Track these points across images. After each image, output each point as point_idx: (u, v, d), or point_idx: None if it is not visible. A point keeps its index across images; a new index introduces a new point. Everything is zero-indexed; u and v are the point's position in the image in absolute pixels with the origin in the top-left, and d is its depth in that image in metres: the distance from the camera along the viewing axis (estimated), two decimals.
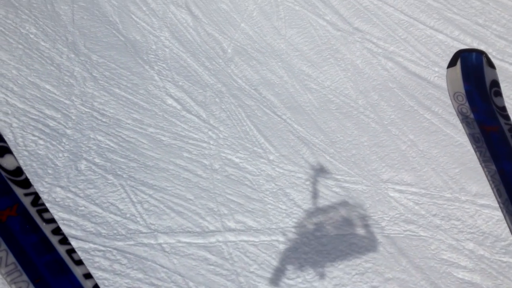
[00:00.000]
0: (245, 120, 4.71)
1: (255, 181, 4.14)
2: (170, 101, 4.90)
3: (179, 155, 4.33)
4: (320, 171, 4.17)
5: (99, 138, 4.35)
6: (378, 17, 5.52)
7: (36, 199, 1.18)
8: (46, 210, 1.20)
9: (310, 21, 5.77)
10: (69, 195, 3.85)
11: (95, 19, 5.86)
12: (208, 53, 5.57)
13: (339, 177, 4.11)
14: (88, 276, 1.20)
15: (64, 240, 1.20)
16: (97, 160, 4.16)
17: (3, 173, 1.15)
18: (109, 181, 4.02)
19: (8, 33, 5.09)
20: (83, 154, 4.19)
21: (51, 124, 4.34)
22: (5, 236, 1.15)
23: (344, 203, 3.94)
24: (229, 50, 5.63)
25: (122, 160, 4.20)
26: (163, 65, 5.36)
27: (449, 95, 1.49)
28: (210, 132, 4.58)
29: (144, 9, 6.17)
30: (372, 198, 3.95)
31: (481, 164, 1.49)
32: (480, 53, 1.47)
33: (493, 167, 1.47)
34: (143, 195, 3.95)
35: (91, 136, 4.35)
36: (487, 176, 1.49)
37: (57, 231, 1.20)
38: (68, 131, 4.34)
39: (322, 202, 3.95)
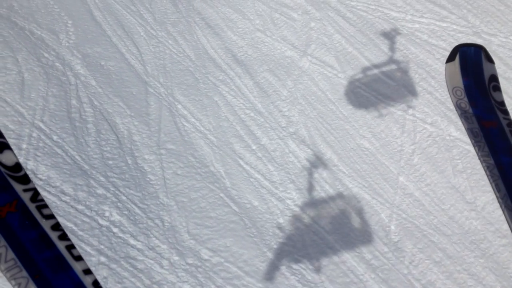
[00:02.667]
0: None
1: None
2: None
3: None
4: None
5: None
6: None
7: (35, 195, 1.17)
8: (46, 206, 1.18)
9: None
10: None
11: (192, 173, 4.15)
12: (362, 233, 3.81)
13: None
14: (87, 272, 1.19)
15: (64, 236, 1.18)
16: None
17: (2, 169, 1.13)
18: None
19: (82, 233, 3.39)
20: None
21: None
22: (5, 232, 1.12)
23: None
24: (392, 227, 3.86)
25: None
26: (306, 262, 3.61)
27: (448, 89, 1.47)
28: None
29: (254, 147, 4.44)
30: None
31: (479, 158, 1.47)
32: (479, 48, 1.45)
33: (492, 161, 1.46)
34: None
35: None
36: (485, 171, 1.46)
37: (57, 226, 1.18)
38: None
39: None
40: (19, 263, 1.14)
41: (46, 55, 4.71)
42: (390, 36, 5.23)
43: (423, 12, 5.37)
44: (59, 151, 3.83)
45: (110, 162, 3.97)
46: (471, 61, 1.45)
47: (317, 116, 4.69)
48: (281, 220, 3.91)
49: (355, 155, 4.35)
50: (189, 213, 3.83)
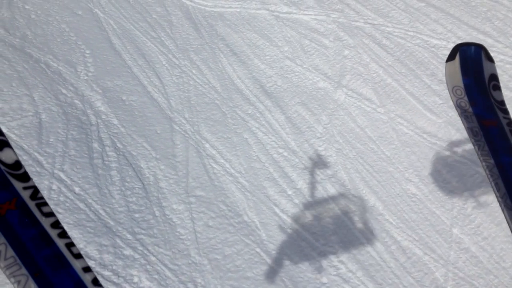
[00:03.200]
0: None
1: None
2: None
3: None
4: None
5: None
6: None
7: (35, 193, 1.17)
8: (45, 203, 1.18)
9: None
10: None
11: (224, 224, 3.79)
12: None
13: None
14: (87, 269, 1.19)
15: (63, 234, 1.17)
16: None
17: (2, 167, 1.13)
18: None
19: None
20: None
21: None
22: (4, 230, 1.12)
23: None
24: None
25: None
26: None
27: (448, 89, 1.47)
28: None
29: (290, 193, 4.08)
30: None
31: (479, 158, 1.47)
32: (479, 47, 1.45)
33: (492, 161, 1.46)
34: None
35: None
36: (485, 170, 1.46)
37: (56, 224, 1.17)
38: None
39: None
40: (18, 261, 1.12)
41: (64, 91, 4.37)
42: (431, 66, 4.86)
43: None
44: (81, 205, 3.48)
45: (137, 215, 3.62)
46: (471, 60, 1.45)
47: (357, 156, 4.33)
48: (324, 280, 3.55)
49: (402, 202, 3.98)
50: (224, 274, 3.47)
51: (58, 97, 4.29)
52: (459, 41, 5.06)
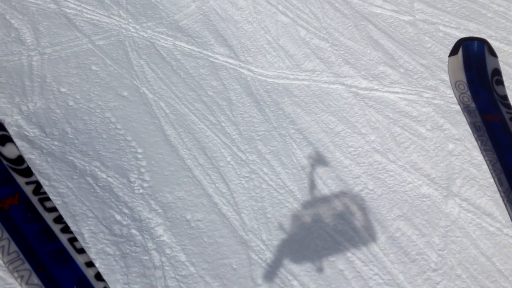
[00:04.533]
0: None
1: None
2: None
3: None
4: None
5: None
6: None
7: (38, 188, 1.16)
8: (48, 198, 1.16)
9: None
10: None
11: None
12: None
13: None
14: (90, 264, 1.16)
15: (66, 229, 1.16)
16: None
17: (5, 162, 1.12)
18: None
19: None
20: None
21: None
22: (7, 225, 1.11)
23: None
24: None
25: None
26: None
27: (451, 83, 1.46)
28: None
29: None
30: None
31: (482, 153, 1.47)
32: (482, 42, 1.44)
33: (494, 156, 1.43)
34: None
35: None
36: (488, 165, 1.44)
37: (59, 219, 1.16)
38: None
39: None
40: (21, 256, 1.10)
41: (118, 217, 3.51)
42: None
43: None
44: None
45: None
46: (474, 55, 1.42)
47: None
48: None
49: None
50: None
51: (112, 229, 3.42)
52: None
